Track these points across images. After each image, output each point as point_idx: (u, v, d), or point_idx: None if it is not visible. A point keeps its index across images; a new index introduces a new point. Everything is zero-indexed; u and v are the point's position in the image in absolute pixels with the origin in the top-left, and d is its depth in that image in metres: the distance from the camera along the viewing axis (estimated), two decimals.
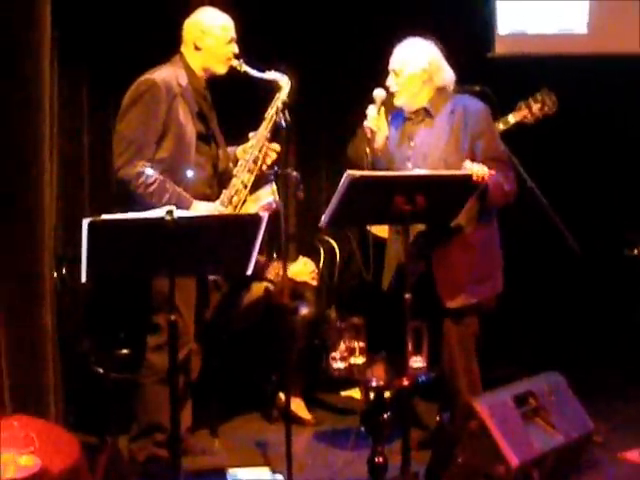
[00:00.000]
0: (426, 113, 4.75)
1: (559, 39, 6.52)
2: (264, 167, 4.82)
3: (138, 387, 4.68)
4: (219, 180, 4.81)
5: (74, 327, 5.05)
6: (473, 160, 4.48)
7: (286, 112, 4.60)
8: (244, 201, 4.75)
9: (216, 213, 4.55)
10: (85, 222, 3.52)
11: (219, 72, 4.75)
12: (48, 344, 4.23)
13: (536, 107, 5.51)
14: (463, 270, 4.66)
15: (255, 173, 4.80)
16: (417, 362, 4.18)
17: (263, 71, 4.75)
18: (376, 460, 4.21)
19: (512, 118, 5.49)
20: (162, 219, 3.60)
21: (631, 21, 6.36)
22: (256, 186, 4.83)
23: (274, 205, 4.68)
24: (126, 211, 3.97)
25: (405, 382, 4.13)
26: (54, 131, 4.84)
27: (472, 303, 4.68)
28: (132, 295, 4.71)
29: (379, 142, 4.72)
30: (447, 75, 4.78)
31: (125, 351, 4.95)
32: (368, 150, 4.64)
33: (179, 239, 3.64)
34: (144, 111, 4.54)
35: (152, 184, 4.46)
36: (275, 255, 5.67)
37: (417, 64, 4.69)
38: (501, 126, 5.39)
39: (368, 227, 5.07)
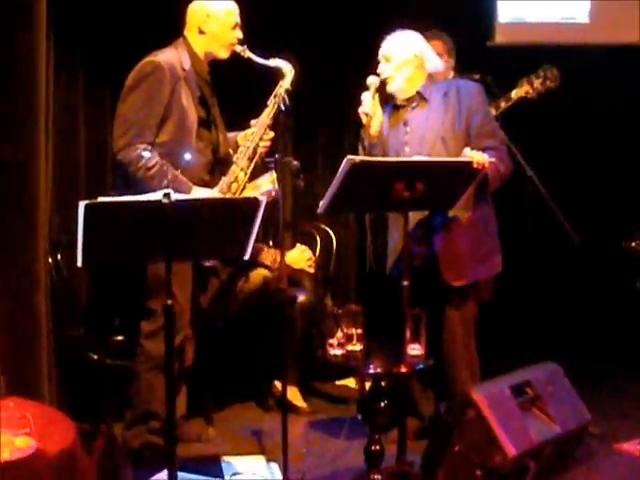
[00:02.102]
0: (420, 97, 4.76)
1: (560, 28, 6.50)
2: (262, 155, 4.79)
3: (132, 374, 4.65)
4: (218, 166, 4.78)
5: (69, 313, 5.02)
6: (469, 138, 4.54)
7: (286, 98, 4.59)
8: (243, 188, 4.72)
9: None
10: (81, 204, 3.48)
11: (222, 57, 4.72)
12: (42, 330, 4.20)
13: (538, 82, 5.50)
14: (464, 250, 4.68)
15: (255, 160, 4.77)
16: (415, 350, 4.16)
17: (267, 58, 4.72)
18: (372, 448, 4.18)
19: (514, 94, 5.49)
20: (159, 202, 3.56)
21: (633, 12, 6.35)
22: (256, 174, 4.81)
23: (274, 193, 4.66)
24: (123, 194, 3.94)
25: (403, 369, 4.11)
26: (49, 113, 4.80)
27: (474, 282, 4.72)
28: (127, 280, 4.68)
29: (375, 128, 4.70)
30: (437, 63, 4.83)
31: (120, 337, 4.91)
32: (364, 135, 4.67)
33: (176, 222, 3.60)
34: (147, 93, 4.51)
35: (152, 167, 4.43)
36: (271, 242, 5.65)
37: (408, 49, 4.74)
38: (503, 103, 5.40)
39: None
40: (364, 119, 4.66)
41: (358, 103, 4.67)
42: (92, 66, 5.45)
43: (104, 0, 5.36)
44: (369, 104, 4.65)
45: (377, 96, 4.70)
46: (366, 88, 4.68)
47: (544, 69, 5.54)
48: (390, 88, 4.75)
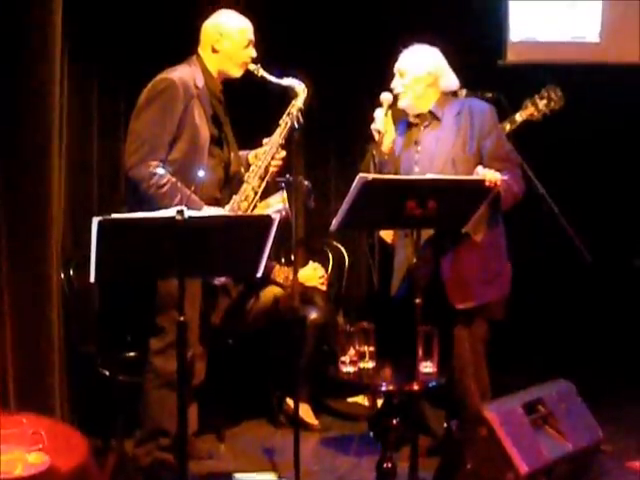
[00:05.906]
0: (432, 116, 4.76)
1: (571, 47, 6.52)
2: (274, 174, 4.80)
3: (141, 391, 4.65)
4: (230, 184, 4.77)
5: (81, 329, 5.03)
6: (480, 161, 4.52)
7: (300, 117, 4.59)
8: (254, 207, 4.72)
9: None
10: (95, 221, 3.49)
11: (235, 75, 4.72)
12: (54, 346, 4.20)
13: (542, 103, 5.50)
14: (471, 271, 4.67)
15: (266, 180, 4.77)
16: (427, 367, 4.16)
17: (280, 77, 4.72)
18: (384, 466, 4.18)
19: (519, 116, 5.47)
20: (173, 219, 3.57)
21: None
22: (267, 193, 4.82)
23: (284, 213, 4.67)
24: (134, 211, 3.96)
25: (415, 387, 4.11)
26: (63, 131, 4.82)
27: (481, 304, 4.69)
28: (139, 297, 4.68)
29: (386, 145, 4.72)
30: (452, 81, 4.81)
31: (132, 354, 4.92)
32: (375, 153, 4.65)
33: (190, 239, 3.61)
34: (160, 110, 4.50)
35: (164, 185, 4.42)
36: (283, 260, 5.66)
37: (422, 67, 4.73)
38: (508, 126, 5.38)
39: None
40: (376, 136, 4.66)
41: (370, 120, 4.69)
42: (106, 80, 5.49)
43: (120, 15, 5.39)
44: (381, 121, 4.66)
45: (390, 113, 4.71)
46: (379, 105, 4.70)
47: (547, 89, 5.52)
48: (400, 104, 4.76)
